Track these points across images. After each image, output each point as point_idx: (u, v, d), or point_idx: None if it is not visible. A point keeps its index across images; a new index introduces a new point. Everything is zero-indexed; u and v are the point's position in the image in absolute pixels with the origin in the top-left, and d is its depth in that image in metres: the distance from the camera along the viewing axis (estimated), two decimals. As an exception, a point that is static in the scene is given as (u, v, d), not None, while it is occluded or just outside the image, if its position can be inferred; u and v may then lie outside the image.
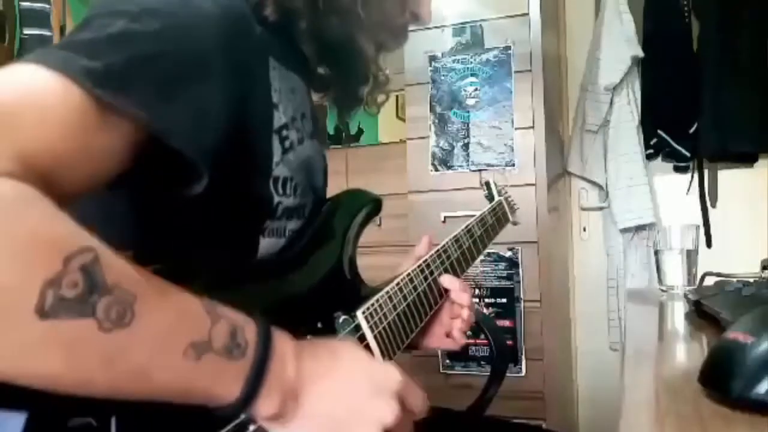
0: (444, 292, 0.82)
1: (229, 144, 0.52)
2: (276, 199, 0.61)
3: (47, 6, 2.09)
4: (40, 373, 0.36)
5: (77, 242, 0.37)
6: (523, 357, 1.78)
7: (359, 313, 0.64)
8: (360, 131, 2.42)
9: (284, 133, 0.62)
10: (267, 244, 0.62)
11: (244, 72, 0.55)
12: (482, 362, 1.81)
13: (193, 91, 0.48)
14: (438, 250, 0.83)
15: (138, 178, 0.49)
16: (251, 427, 0.48)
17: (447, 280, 0.82)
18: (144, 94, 0.45)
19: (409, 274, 0.74)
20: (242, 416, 0.47)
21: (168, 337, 0.40)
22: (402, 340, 0.70)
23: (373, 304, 0.66)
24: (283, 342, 0.48)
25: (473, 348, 1.83)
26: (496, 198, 1.08)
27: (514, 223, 1.13)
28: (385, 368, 0.53)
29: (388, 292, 0.69)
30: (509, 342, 1.78)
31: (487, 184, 1.11)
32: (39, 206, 0.37)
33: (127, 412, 0.42)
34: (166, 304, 0.41)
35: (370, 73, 0.75)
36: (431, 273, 0.79)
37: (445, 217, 1.84)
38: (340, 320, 0.62)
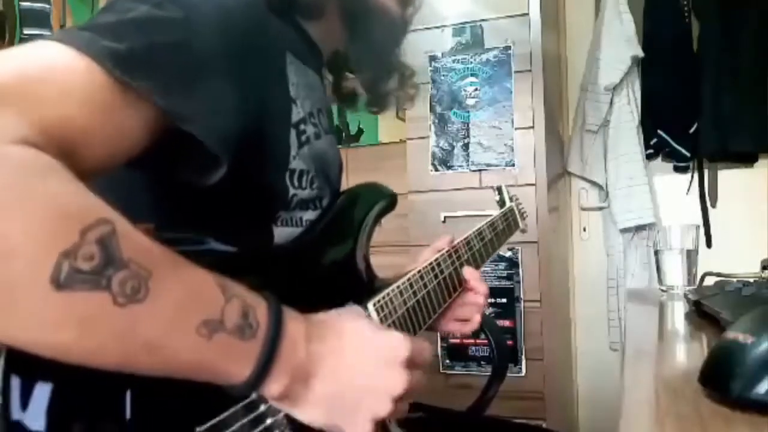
0: (459, 285, 0.85)
1: (247, 136, 0.53)
2: (291, 191, 0.61)
3: (47, 6, 2.09)
4: (53, 344, 0.36)
5: (95, 214, 0.37)
6: (523, 357, 1.78)
7: (370, 305, 0.64)
8: (360, 131, 2.42)
9: (302, 127, 0.62)
10: (283, 233, 0.63)
11: (263, 65, 0.56)
12: (482, 362, 1.81)
13: (211, 80, 0.48)
14: (449, 250, 0.84)
15: (157, 161, 0.49)
16: (262, 407, 0.49)
17: (467, 272, 0.86)
18: (164, 79, 0.45)
19: (420, 271, 0.75)
20: (254, 395, 0.48)
21: (181, 313, 0.40)
22: (411, 333, 0.71)
23: (384, 297, 0.67)
24: (294, 323, 0.48)
25: (473, 348, 1.83)
26: (508, 204, 1.08)
27: (523, 231, 1.13)
28: (390, 338, 0.54)
29: (399, 287, 0.70)
30: (509, 342, 1.77)
31: (499, 189, 1.12)
32: (58, 176, 0.37)
33: (141, 387, 0.42)
34: (180, 281, 0.41)
35: (393, 64, 0.76)
36: (441, 272, 0.80)
37: (445, 217, 1.84)
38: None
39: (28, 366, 0.38)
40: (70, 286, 0.35)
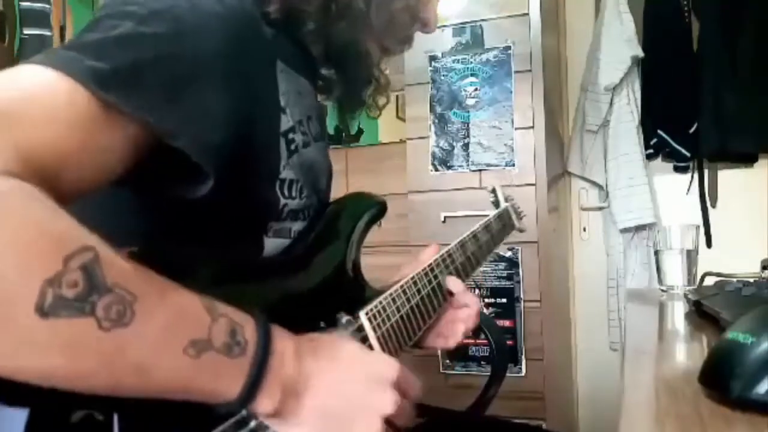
0: (449, 295, 0.82)
1: (236, 147, 0.52)
2: (282, 201, 0.61)
3: (47, 6, 2.09)
4: (40, 371, 0.36)
5: (78, 241, 0.37)
6: (523, 357, 1.78)
7: (362, 314, 0.64)
8: (360, 131, 2.42)
9: (291, 136, 0.62)
10: (272, 244, 0.62)
11: (251, 76, 0.55)
12: (482, 362, 1.81)
13: (198, 93, 0.48)
14: (443, 254, 0.82)
15: (143, 177, 0.49)
16: (252, 423, 0.49)
17: (452, 282, 0.81)
18: (149, 96, 0.45)
19: (413, 277, 0.74)
20: (243, 412, 0.48)
21: (168, 335, 0.40)
22: (404, 341, 0.70)
23: (376, 306, 0.66)
24: (282, 340, 0.48)
25: (473, 348, 1.83)
26: (503, 204, 1.08)
27: (520, 230, 1.12)
28: (381, 359, 0.55)
29: (391, 294, 0.69)
30: (509, 342, 1.77)
31: (494, 190, 1.11)
32: (40, 205, 0.37)
33: (130, 407, 0.42)
34: (165, 303, 0.41)
35: (374, 75, 0.75)
36: (435, 277, 0.79)
37: (445, 217, 1.84)
38: (343, 321, 0.62)
39: (5, 391, 0.38)
40: (55, 314, 0.35)
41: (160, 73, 0.46)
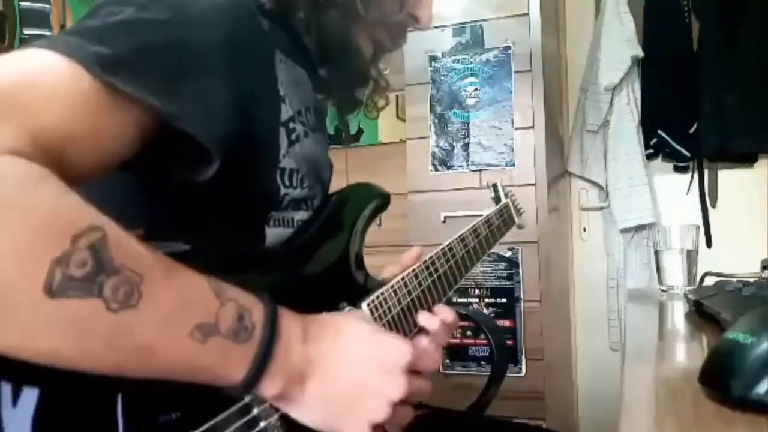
0: (454, 283, 0.82)
1: (237, 135, 0.53)
2: (282, 190, 0.61)
3: (47, 6, 2.09)
4: (46, 351, 0.36)
5: (86, 221, 0.37)
6: (523, 357, 1.78)
7: (364, 305, 0.64)
8: (360, 131, 2.42)
9: (291, 125, 0.62)
10: (275, 234, 0.62)
11: (251, 64, 0.55)
12: (482, 362, 1.81)
13: (200, 79, 0.49)
14: (443, 248, 0.83)
15: (147, 161, 0.49)
16: (255, 410, 0.49)
17: (423, 319, 0.70)
18: (153, 80, 0.45)
19: (414, 270, 0.74)
20: (246, 398, 0.48)
21: (175, 318, 0.40)
22: (406, 334, 0.70)
23: (378, 297, 0.66)
24: (290, 324, 0.48)
25: (473, 348, 1.83)
26: (503, 200, 1.08)
27: (520, 227, 1.13)
28: (392, 342, 0.54)
29: (393, 286, 0.69)
30: (509, 342, 1.77)
31: (494, 186, 1.11)
32: (48, 185, 0.37)
33: (133, 387, 0.42)
34: (173, 286, 0.41)
35: (370, 75, 0.75)
36: (435, 270, 0.79)
37: (445, 218, 1.84)
38: (345, 310, 0.62)
39: (14, 371, 0.38)
40: (63, 293, 0.35)
41: (163, 58, 0.46)
